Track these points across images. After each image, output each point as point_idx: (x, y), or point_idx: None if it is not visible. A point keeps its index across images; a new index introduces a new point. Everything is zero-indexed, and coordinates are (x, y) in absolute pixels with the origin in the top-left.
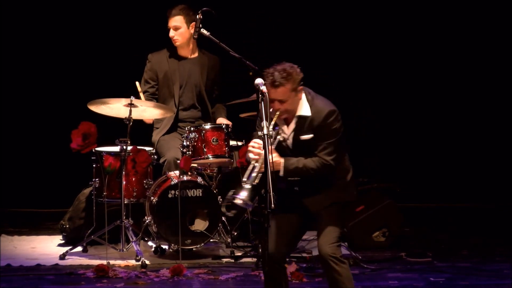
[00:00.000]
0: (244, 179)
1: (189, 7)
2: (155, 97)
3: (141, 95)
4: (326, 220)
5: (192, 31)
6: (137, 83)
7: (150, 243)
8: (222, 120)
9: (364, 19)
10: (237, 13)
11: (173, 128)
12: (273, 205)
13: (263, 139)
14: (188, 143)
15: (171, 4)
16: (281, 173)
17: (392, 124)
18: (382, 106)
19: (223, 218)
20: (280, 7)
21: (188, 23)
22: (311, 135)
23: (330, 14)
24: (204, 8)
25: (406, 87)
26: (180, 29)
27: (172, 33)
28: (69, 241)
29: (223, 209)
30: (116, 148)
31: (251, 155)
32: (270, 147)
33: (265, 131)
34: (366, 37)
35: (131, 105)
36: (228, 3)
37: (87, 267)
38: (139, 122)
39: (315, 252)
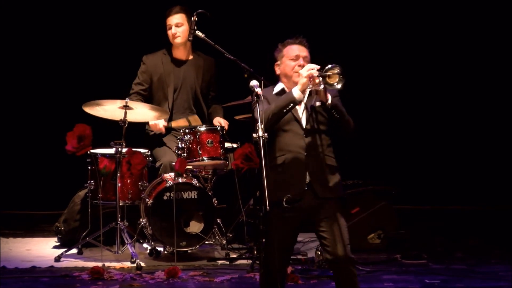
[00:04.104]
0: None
1: (188, 9)
2: (143, 96)
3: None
4: (336, 223)
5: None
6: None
7: (145, 245)
8: (219, 120)
9: (363, 21)
10: (237, 14)
11: (167, 131)
12: (268, 207)
13: (258, 142)
14: (183, 145)
15: (166, 6)
16: (329, 101)
17: (388, 125)
18: (378, 107)
19: (218, 220)
20: (280, 7)
21: (189, 22)
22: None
23: (329, 15)
24: (199, 10)
25: (402, 89)
26: (182, 26)
27: (174, 29)
28: (64, 243)
29: None
30: (111, 150)
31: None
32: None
33: (260, 133)
34: (365, 38)
35: (126, 107)
36: (228, 3)
37: (82, 269)
38: (134, 124)
39: (311, 254)
